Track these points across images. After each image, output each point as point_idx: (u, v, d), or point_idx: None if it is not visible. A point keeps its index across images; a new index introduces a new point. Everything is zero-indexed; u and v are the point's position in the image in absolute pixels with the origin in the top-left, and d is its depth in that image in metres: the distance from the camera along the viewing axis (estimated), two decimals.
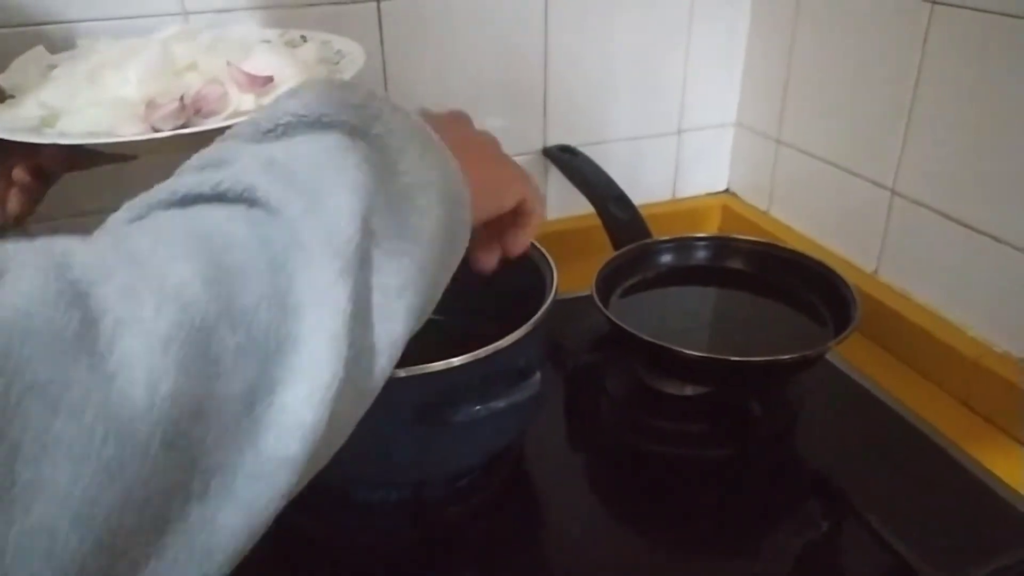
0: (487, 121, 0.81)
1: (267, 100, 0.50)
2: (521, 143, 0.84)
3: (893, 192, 0.73)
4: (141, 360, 0.22)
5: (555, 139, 0.85)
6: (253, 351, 0.25)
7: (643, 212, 0.76)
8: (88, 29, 0.65)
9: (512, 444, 0.59)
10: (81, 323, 0.22)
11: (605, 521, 0.57)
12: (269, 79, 0.52)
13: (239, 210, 0.28)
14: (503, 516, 0.56)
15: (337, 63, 0.58)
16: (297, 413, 0.26)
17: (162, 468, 0.22)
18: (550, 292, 0.54)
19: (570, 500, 0.58)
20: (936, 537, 0.52)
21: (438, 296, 0.36)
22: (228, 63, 0.51)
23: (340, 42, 0.61)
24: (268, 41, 0.60)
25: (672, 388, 0.66)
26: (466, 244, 0.38)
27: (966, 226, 0.67)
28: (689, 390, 0.66)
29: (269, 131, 0.33)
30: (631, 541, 0.55)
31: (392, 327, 0.31)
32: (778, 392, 0.67)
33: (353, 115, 0.33)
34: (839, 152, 0.79)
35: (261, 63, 0.53)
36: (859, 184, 0.77)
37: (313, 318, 0.27)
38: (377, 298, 0.30)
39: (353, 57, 0.58)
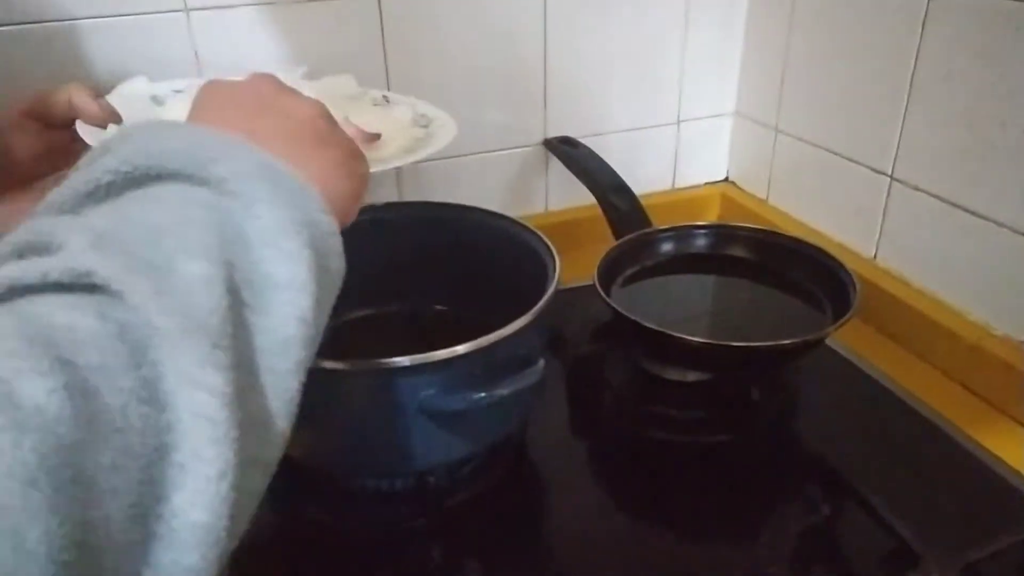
0: (488, 114, 0.82)
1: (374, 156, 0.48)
2: (521, 135, 0.85)
3: (892, 178, 0.73)
4: (3, 510, 0.19)
5: (555, 131, 0.86)
6: (131, 460, 0.23)
7: (643, 202, 0.77)
8: (92, 26, 0.65)
9: (514, 432, 0.60)
10: None
11: (608, 508, 0.57)
12: (377, 136, 0.53)
13: (80, 300, 0.24)
14: (506, 504, 0.57)
15: (427, 126, 0.59)
16: (188, 516, 0.24)
17: None
18: (552, 281, 0.55)
19: (573, 487, 0.58)
20: (937, 519, 0.53)
21: (319, 341, 0.32)
22: (347, 118, 0.52)
23: (424, 106, 0.62)
24: (354, 97, 0.62)
25: (673, 375, 0.67)
26: (341, 270, 0.34)
27: (965, 210, 0.67)
28: (690, 376, 0.66)
29: (89, 194, 0.28)
30: (634, 527, 0.56)
31: (285, 385, 0.29)
32: (778, 377, 0.67)
33: (185, 162, 0.29)
34: (837, 139, 0.79)
35: (365, 119, 0.54)
36: (857, 170, 0.77)
37: (188, 407, 0.24)
38: (262, 361, 0.28)
39: (442, 121, 0.59)
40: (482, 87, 0.81)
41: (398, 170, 0.81)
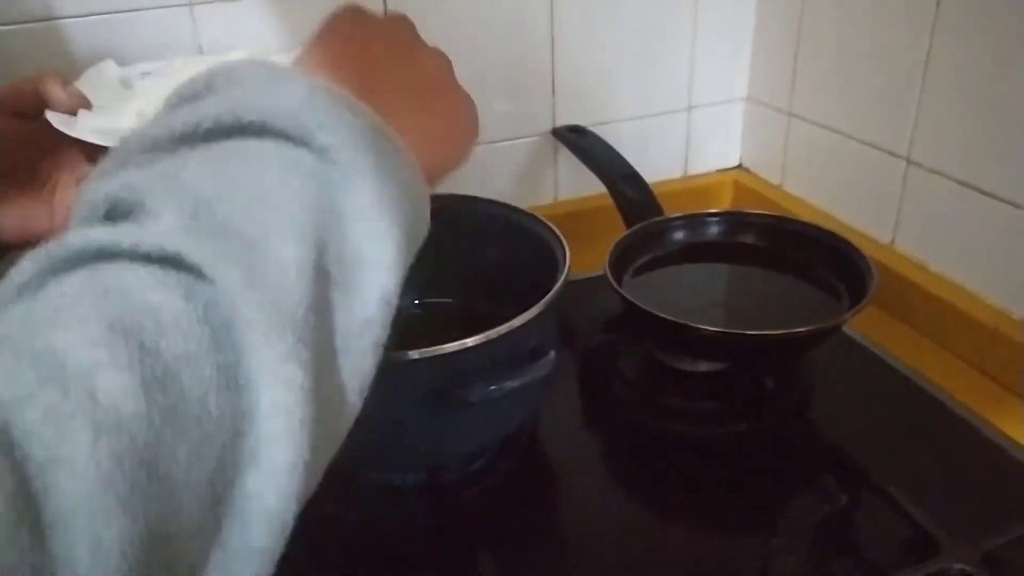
0: (495, 103, 0.81)
1: None
2: (530, 124, 0.84)
3: (908, 161, 0.72)
4: (80, 508, 0.20)
5: (564, 119, 0.85)
6: (206, 449, 0.23)
7: (654, 190, 0.76)
8: (93, 23, 0.65)
9: (525, 425, 0.60)
10: (10, 473, 0.19)
11: (621, 500, 0.57)
12: None
13: (169, 277, 0.24)
14: (518, 497, 0.56)
15: None
16: (259, 499, 0.24)
17: None
18: (562, 272, 0.54)
19: (585, 480, 0.58)
20: (956, 506, 0.52)
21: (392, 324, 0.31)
22: None
23: None
24: None
25: (686, 365, 0.66)
26: (424, 235, 0.34)
27: (983, 193, 0.66)
28: (704, 366, 0.66)
29: (185, 136, 0.28)
30: (648, 520, 0.55)
31: (361, 364, 0.29)
32: (794, 366, 0.66)
33: (291, 123, 0.28)
34: (852, 122, 0.78)
35: None
36: (873, 154, 0.76)
37: (268, 396, 0.24)
38: (340, 342, 0.28)
39: None
40: (489, 76, 0.80)
41: None
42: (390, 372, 0.48)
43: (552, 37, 0.80)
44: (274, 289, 0.25)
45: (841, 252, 0.66)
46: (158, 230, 0.25)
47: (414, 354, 0.47)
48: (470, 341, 0.47)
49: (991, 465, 0.56)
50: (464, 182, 0.81)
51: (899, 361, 0.66)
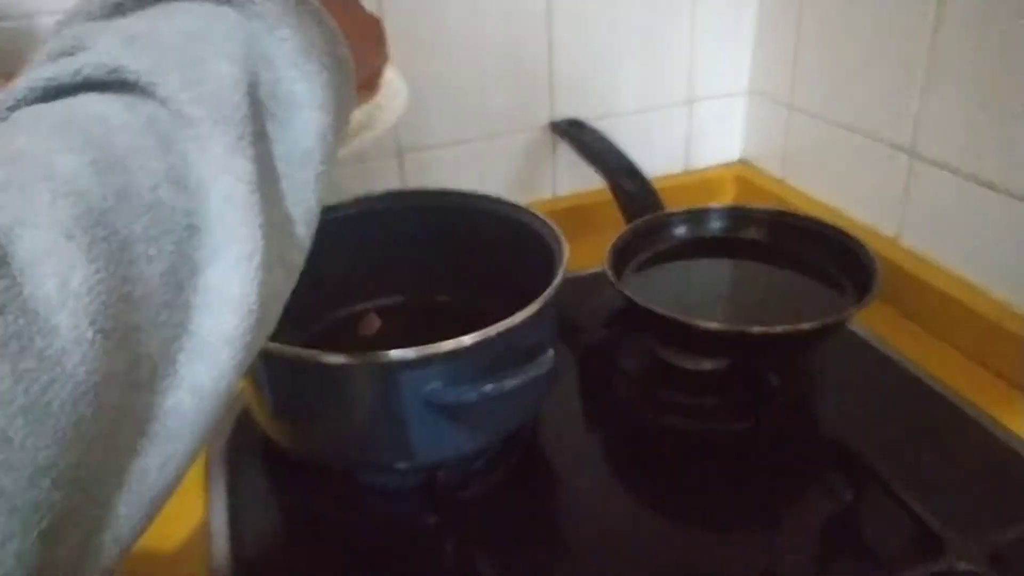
0: (493, 97, 0.80)
1: None
2: (527, 119, 0.83)
3: (912, 154, 0.71)
4: (46, 253, 0.21)
5: (563, 113, 0.84)
6: (163, 233, 0.24)
7: (656, 185, 0.75)
8: None
9: (526, 424, 0.59)
10: None
11: (623, 499, 0.56)
12: None
13: (111, 95, 0.26)
14: (519, 497, 0.56)
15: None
16: (225, 289, 0.26)
17: (105, 357, 0.22)
18: (559, 268, 0.53)
19: (586, 479, 0.57)
20: (961, 502, 0.51)
21: (333, 160, 0.34)
22: None
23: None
24: None
25: (688, 363, 0.65)
26: (352, 107, 0.36)
27: (988, 186, 0.65)
28: (706, 364, 0.65)
29: (117, 5, 0.30)
30: (650, 519, 0.55)
31: (304, 195, 0.30)
32: (798, 362, 0.65)
33: None
34: (855, 115, 0.77)
35: None
36: (876, 147, 0.75)
37: (218, 191, 0.26)
38: (282, 168, 0.29)
39: (395, 86, 0.56)
40: (485, 69, 0.79)
41: (399, 158, 0.79)
42: (385, 372, 0.47)
43: (549, 30, 0.79)
44: (212, 93, 0.27)
45: (845, 247, 0.65)
46: (97, 51, 0.27)
47: (410, 353, 0.46)
48: (466, 340, 0.46)
49: (997, 462, 0.55)
50: (461, 178, 0.81)
51: (903, 356, 0.65)
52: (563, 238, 0.56)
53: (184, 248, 0.25)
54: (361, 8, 0.43)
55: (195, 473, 0.57)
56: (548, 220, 0.59)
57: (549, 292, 0.50)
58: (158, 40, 0.28)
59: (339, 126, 0.33)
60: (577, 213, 0.83)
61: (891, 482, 0.51)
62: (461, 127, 0.81)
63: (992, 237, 0.65)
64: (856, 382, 0.64)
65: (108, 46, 0.27)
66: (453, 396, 0.47)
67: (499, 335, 0.47)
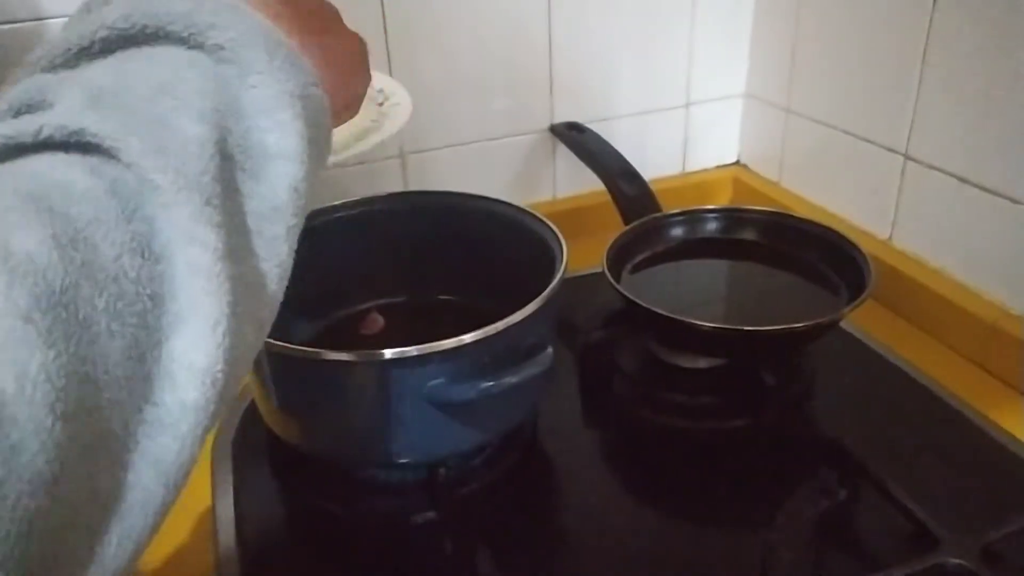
0: (493, 101, 0.81)
1: None
2: (527, 121, 0.84)
3: (906, 157, 0.72)
4: (3, 343, 0.21)
5: (562, 116, 0.85)
6: (126, 306, 0.24)
7: (653, 187, 0.76)
8: None
9: (525, 422, 0.60)
10: None
11: (621, 496, 0.57)
12: None
13: (73, 158, 0.25)
14: (518, 494, 0.56)
15: (382, 104, 0.57)
16: (187, 359, 0.25)
17: (64, 442, 0.21)
18: (559, 267, 0.54)
19: (585, 476, 0.58)
20: (955, 500, 0.52)
21: (309, 208, 0.33)
22: None
23: (381, 78, 0.59)
24: None
25: (686, 361, 0.66)
26: (329, 145, 0.35)
27: (981, 188, 0.66)
28: (703, 363, 0.66)
29: (84, 49, 0.28)
30: (648, 516, 0.55)
31: (275, 250, 0.30)
32: (794, 361, 0.66)
33: (184, 24, 0.29)
34: (850, 118, 0.78)
35: None
36: (871, 150, 0.76)
37: (183, 260, 0.25)
38: (253, 223, 0.29)
39: (398, 99, 0.56)
40: (486, 73, 0.80)
41: (402, 159, 0.80)
42: (387, 369, 0.48)
43: (550, 34, 0.80)
44: (177, 157, 0.26)
45: (839, 248, 0.66)
46: (60, 110, 0.26)
47: (411, 351, 0.47)
48: (467, 338, 0.47)
49: (989, 459, 0.56)
50: (462, 179, 0.82)
51: (898, 356, 0.66)
52: (563, 239, 0.57)
53: (147, 319, 0.24)
54: (342, 27, 0.42)
55: (202, 466, 0.58)
56: (549, 221, 0.59)
57: (548, 292, 0.51)
58: (123, 98, 0.27)
59: (313, 174, 0.32)
60: (577, 214, 0.84)
61: (885, 479, 0.51)
62: (462, 130, 0.82)
63: (985, 239, 0.66)
64: (851, 381, 0.65)
65: (71, 105, 0.26)
66: (453, 393, 0.48)
67: (499, 333, 0.48)
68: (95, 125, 0.25)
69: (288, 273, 0.31)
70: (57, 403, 0.21)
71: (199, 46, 0.29)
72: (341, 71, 0.38)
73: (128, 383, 0.24)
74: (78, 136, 0.25)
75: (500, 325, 0.48)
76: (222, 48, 0.29)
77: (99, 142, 0.25)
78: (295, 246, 0.31)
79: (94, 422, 0.23)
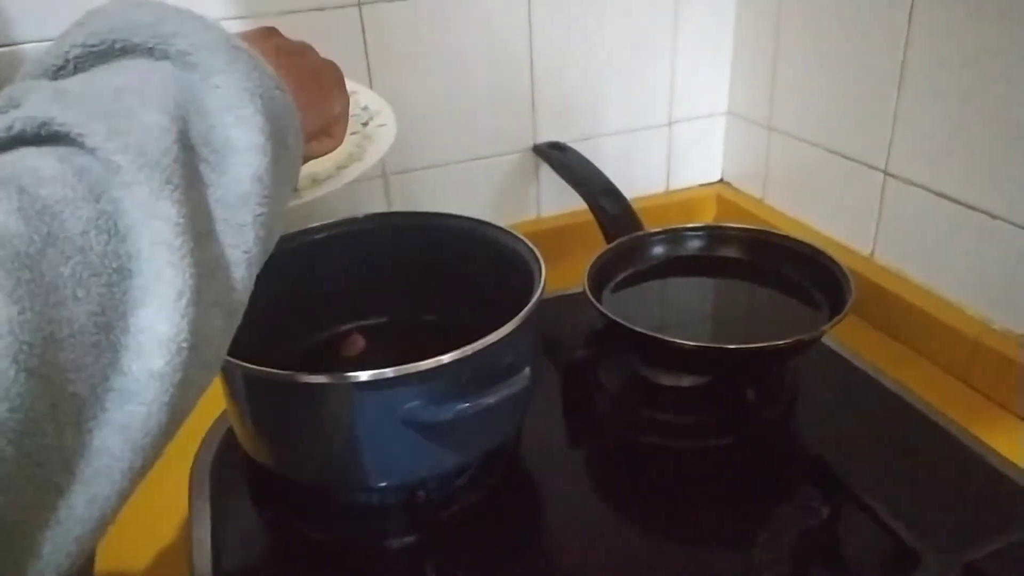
0: (475, 120, 0.81)
1: None
2: (510, 141, 0.84)
3: (886, 173, 0.72)
4: None
5: (545, 136, 0.85)
6: (92, 275, 0.25)
7: (637, 205, 0.76)
8: None
9: (507, 442, 0.59)
10: None
11: (605, 516, 0.56)
12: None
13: (46, 148, 0.27)
14: (502, 514, 0.56)
15: (366, 124, 0.57)
16: (153, 329, 0.26)
17: (28, 395, 0.22)
18: (538, 288, 0.54)
19: (568, 496, 0.57)
20: (938, 517, 0.51)
21: (281, 208, 0.35)
22: None
23: (365, 94, 0.59)
24: None
25: (669, 380, 0.66)
26: (299, 149, 0.36)
27: (960, 203, 0.66)
28: (687, 381, 0.65)
29: (59, 68, 0.31)
30: (632, 534, 0.55)
31: (242, 238, 0.31)
32: (778, 378, 0.66)
33: (149, 35, 0.31)
34: (830, 136, 0.78)
35: None
36: (852, 167, 0.76)
37: (147, 235, 0.27)
38: (218, 212, 0.30)
39: (383, 117, 0.57)
40: (468, 93, 0.80)
41: (385, 180, 0.80)
42: (363, 391, 0.48)
43: (531, 54, 0.81)
44: (138, 140, 0.27)
45: (820, 264, 0.67)
46: (28, 106, 0.28)
47: (387, 372, 0.47)
48: (444, 359, 0.47)
49: (972, 476, 0.56)
50: (446, 200, 0.82)
51: (881, 373, 0.66)
52: (542, 259, 0.57)
53: (114, 290, 0.26)
54: (316, 56, 0.44)
55: (179, 487, 0.57)
56: (528, 241, 0.59)
57: (526, 312, 0.51)
58: (87, 94, 0.29)
59: (282, 169, 0.33)
60: (562, 233, 0.85)
61: (866, 497, 0.51)
62: (446, 150, 0.82)
63: (965, 254, 0.66)
64: (834, 397, 0.65)
65: (38, 100, 0.28)
66: (429, 415, 0.48)
67: (475, 354, 0.48)
68: (61, 114, 0.27)
69: (258, 261, 0.32)
70: (20, 355, 0.22)
71: (164, 55, 0.31)
72: (314, 95, 0.40)
73: (95, 350, 0.25)
74: (47, 126, 0.27)
75: (476, 346, 0.48)
76: (186, 54, 0.31)
77: (67, 130, 0.27)
78: (263, 235, 0.32)
79: (60, 383, 0.24)
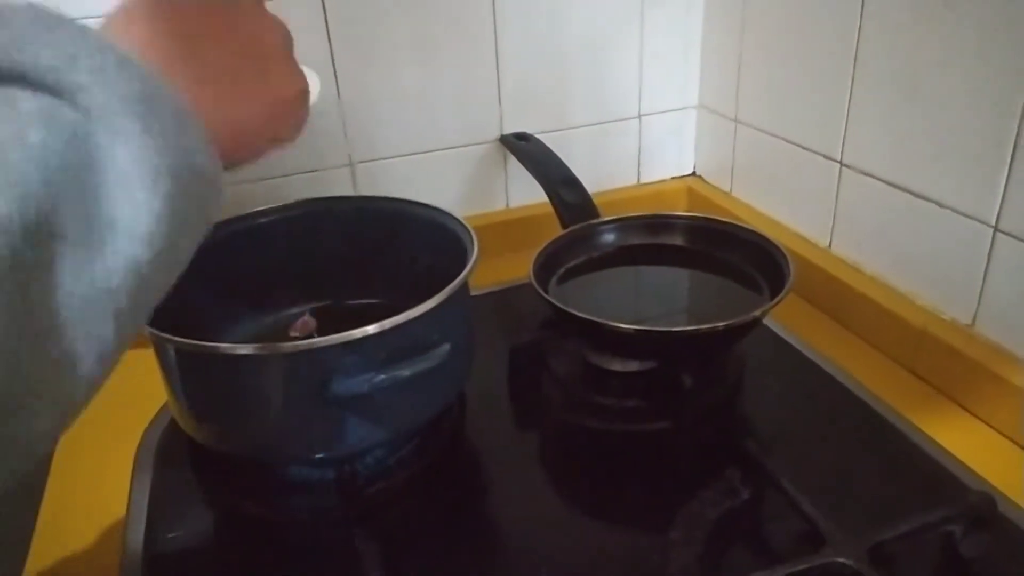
0: (442, 111, 0.83)
1: None
2: (478, 132, 0.85)
3: (841, 164, 0.72)
4: None
5: (512, 127, 0.86)
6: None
7: (609, 198, 0.77)
8: None
9: (444, 421, 0.60)
10: None
11: (540, 496, 0.57)
12: None
13: None
14: (440, 491, 0.57)
15: None
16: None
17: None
18: (467, 266, 0.55)
19: (505, 476, 0.58)
20: (857, 502, 0.52)
21: (167, 284, 0.30)
22: None
23: None
24: None
25: (616, 365, 0.66)
26: (212, 217, 0.31)
27: (910, 192, 0.65)
28: (632, 366, 0.66)
29: None
30: (564, 513, 0.55)
31: (95, 331, 0.27)
32: (722, 363, 0.66)
33: (55, 76, 0.26)
34: (791, 127, 0.78)
35: None
36: (810, 158, 0.76)
37: None
38: (73, 302, 0.26)
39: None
40: (436, 83, 0.81)
41: (352, 169, 0.82)
42: (283, 362, 0.49)
43: (496, 45, 0.82)
44: None
45: (762, 249, 0.67)
46: None
47: (305, 343, 0.48)
48: (358, 332, 0.48)
49: (900, 461, 0.55)
50: (414, 189, 0.83)
51: (829, 362, 0.66)
52: (475, 237, 0.58)
53: None
54: (249, 19, 0.37)
55: (123, 468, 0.59)
56: (463, 221, 0.60)
57: (448, 289, 0.52)
58: None
59: (182, 248, 0.30)
60: (530, 223, 0.85)
61: (784, 480, 0.51)
62: (412, 139, 0.83)
63: (916, 243, 0.66)
64: (778, 385, 0.65)
65: None
66: (347, 387, 0.49)
67: (396, 328, 0.49)
68: None
69: (114, 355, 0.28)
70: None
71: (70, 101, 0.26)
72: (250, 77, 0.36)
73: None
74: None
75: (394, 320, 0.49)
76: (91, 109, 0.26)
77: None
78: (132, 329, 0.29)
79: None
